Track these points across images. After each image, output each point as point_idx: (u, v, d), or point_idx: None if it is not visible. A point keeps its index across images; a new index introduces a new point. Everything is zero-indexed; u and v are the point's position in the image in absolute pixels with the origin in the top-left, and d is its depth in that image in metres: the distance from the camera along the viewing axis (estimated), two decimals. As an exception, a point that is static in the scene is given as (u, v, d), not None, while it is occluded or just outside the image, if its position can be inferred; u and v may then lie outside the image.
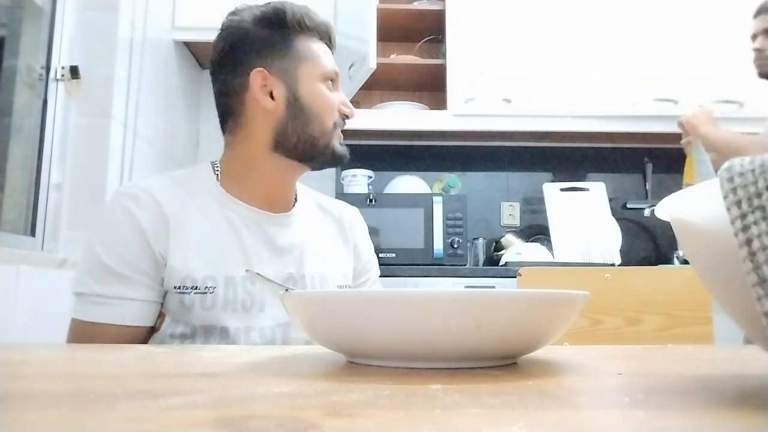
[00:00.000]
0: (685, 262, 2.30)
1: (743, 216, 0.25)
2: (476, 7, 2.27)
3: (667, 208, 0.34)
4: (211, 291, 0.78)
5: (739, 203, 0.25)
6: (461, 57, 2.24)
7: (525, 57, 2.25)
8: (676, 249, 2.41)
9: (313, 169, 0.90)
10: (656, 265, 2.37)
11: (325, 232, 0.94)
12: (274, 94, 0.85)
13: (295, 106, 0.85)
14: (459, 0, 2.27)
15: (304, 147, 0.86)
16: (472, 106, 2.22)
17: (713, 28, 2.24)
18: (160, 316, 0.80)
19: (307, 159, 0.87)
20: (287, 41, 0.87)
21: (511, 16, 2.28)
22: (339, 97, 0.89)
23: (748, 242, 0.24)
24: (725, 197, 0.26)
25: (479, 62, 2.24)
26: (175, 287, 0.77)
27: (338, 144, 0.88)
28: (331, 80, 0.88)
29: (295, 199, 0.93)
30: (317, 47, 0.89)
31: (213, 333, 0.78)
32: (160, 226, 0.79)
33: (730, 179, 0.26)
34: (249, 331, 0.79)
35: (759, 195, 0.25)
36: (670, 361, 0.48)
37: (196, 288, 0.78)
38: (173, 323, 0.79)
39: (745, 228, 0.25)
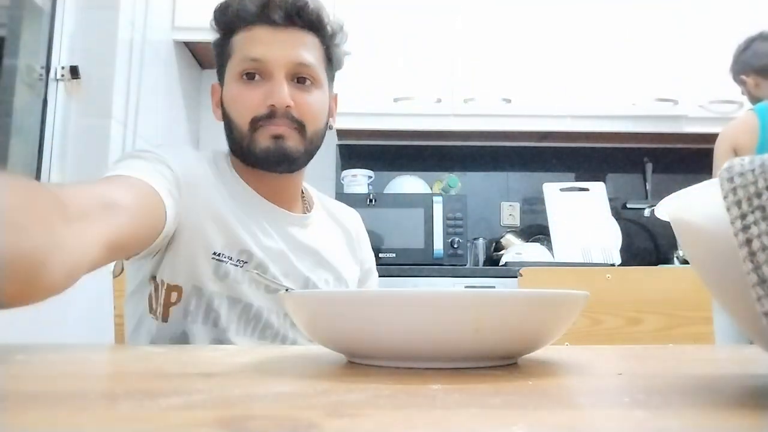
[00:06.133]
0: (685, 262, 2.29)
1: (743, 216, 0.25)
2: (477, 7, 2.27)
3: (667, 208, 0.34)
4: (240, 265, 0.78)
5: (739, 203, 0.25)
6: (461, 56, 2.24)
7: (525, 56, 2.25)
8: (676, 249, 2.41)
9: (272, 172, 0.83)
10: (656, 265, 2.37)
11: (337, 241, 0.93)
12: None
13: (226, 113, 0.83)
14: (459, 0, 2.27)
15: (240, 154, 0.82)
16: (472, 106, 2.22)
17: (713, 28, 2.24)
18: (176, 290, 0.77)
19: (251, 165, 0.82)
20: (229, 41, 0.82)
21: (511, 15, 2.28)
22: (261, 91, 0.78)
23: (748, 242, 0.24)
24: (725, 197, 0.26)
25: (479, 62, 2.24)
26: (214, 254, 0.76)
27: (262, 144, 0.79)
28: (254, 71, 0.79)
29: (304, 200, 0.92)
30: (247, 36, 0.80)
31: (237, 305, 0.78)
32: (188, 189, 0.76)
33: (731, 179, 0.26)
34: (270, 313, 0.80)
35: (759, 195, 0.25)
36: (671, 361, 0.48)
37: (231, 258, 0.77)
38: (192, 295, 0.77)
39: (745, 228, 0.25)
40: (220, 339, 0.77)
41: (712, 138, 1.89)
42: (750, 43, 1.88)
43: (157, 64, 1.95)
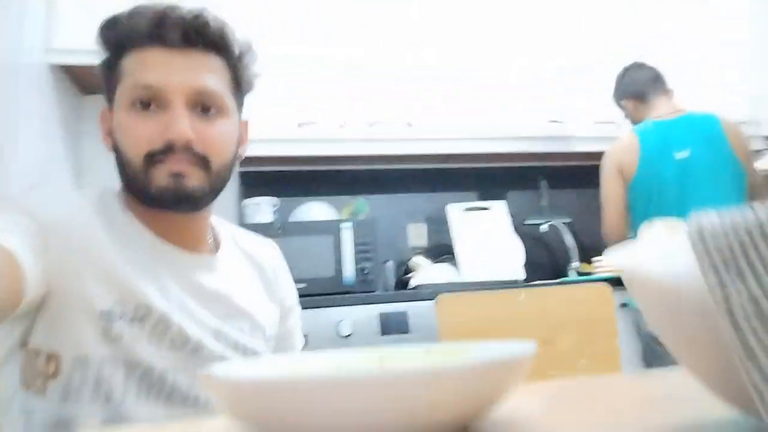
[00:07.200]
0: (582, 274, 2.43)
1: (723, 286, 0.23)
2: (376, 35, 2.29)
3: (621, 258, 0.33)
4: (138, 321, 0.67)
5: (716, 268, 0.24)
6: (364, 82, 2.25)
7: (426, 82, 2.30)
8: (571, 262, 2.54)
9: (171, 212, 0.74)
10: (556, 278, 2.48)
11: (250, 281, 0.84)
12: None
13: (117, 145, 0.72)
14: (360, 29, 2.28)
15: (134, 192, 0.73)
16: (375, 129, 2.23)
17: (593, 57, 2.41)
18: (53, 359, 0.65)
19: (147, 205, 0.73)
20: (119, 62, 0.71)
21: (411, 41, 2.32)
22: (157, 122, 0.69)
23: (730, 312, 0.23)
24: (700, 260, 0.24)
25: (382, 87, 2.26)
26: (102, 312, 0.65)
27: (159, 182, 0.69)
28: (148, 100, 0.69)
29: (213, 240, 0.83)
30: (139, 58, 0.70)
31: (135, 371, 0.67)
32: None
33: (702, 240, 0.25)
34: (177, 373, 0.69)
35: (736, 259, 0.23)
36: (599, 402, 0.47)
37: (125, 315, 0.66)
38: (75, 369, 0.65)
39: (726, 298, 0.23)
40: (115, 415, 0.66)
41: (598, 155, 2.03)
42: (626, 71, 2.06)
43: (30, 89, 1.76)
